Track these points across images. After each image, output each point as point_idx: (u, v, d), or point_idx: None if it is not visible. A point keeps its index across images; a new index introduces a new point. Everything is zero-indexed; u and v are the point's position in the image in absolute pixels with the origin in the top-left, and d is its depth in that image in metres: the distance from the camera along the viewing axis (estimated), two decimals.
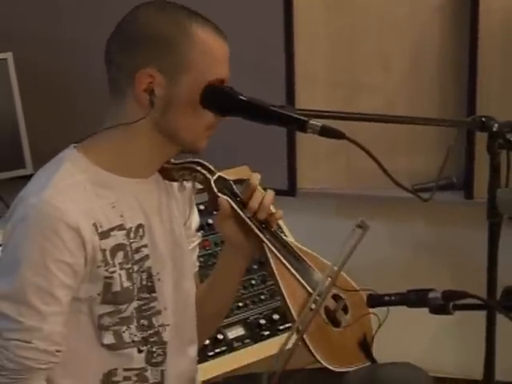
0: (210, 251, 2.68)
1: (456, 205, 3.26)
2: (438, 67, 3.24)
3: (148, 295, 1.86)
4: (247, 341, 2.59)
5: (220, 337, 2.54)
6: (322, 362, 1.96)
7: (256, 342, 2.60)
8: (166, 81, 1.78)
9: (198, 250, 2.15)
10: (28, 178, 1.79)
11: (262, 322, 2.65)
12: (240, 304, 2.65)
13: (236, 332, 2.60)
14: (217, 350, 2.52)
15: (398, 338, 2.82)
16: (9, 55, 3.18)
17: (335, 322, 2.03)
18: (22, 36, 3.37)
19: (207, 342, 2.46)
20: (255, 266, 2.69)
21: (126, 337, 1.81)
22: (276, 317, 2.66)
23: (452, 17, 3.18)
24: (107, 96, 1.86)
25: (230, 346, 2.56)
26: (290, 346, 1.87)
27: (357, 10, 3.24)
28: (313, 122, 1.69)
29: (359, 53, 3.26)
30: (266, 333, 2.63)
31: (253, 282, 2.72)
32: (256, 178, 1.95)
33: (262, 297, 2.71)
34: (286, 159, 3.32)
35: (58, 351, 1.69)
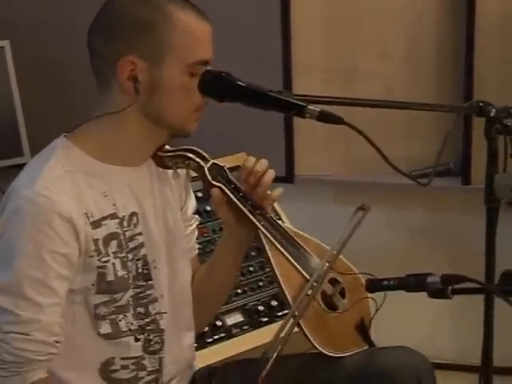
0: (208, 238, 2.68)
1: (453, 191, 3.27)
2: (435, 53, 3.25)
3: (144, 283, 1.86)
4: (246, 327, 2.61)
5: (219, 323, 2.55)
6: (319, 347, 1.98)
7: (255, 328, 2.61)
8: (149, 66, 1.77)
9: (196, 232, 2.16)
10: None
11: (261, 308, 2.66)
12: (238, 291, 2.66)
13: (235, 318, 2.61)
14: (215, 337, 2.54)
15: (396, 323, 2.82)
16: (6, 43, 3.17)
17: (332, 307, 2.04)
18: (19, 24, 3.37)
19: (206, 328, 2.47)
20: (253, 253, 2.70)
21: (123, 325, 1.81)
22: (274, 303, 2.67)
23: (449, 3, 3.18)
24: None
25: (229, 333, 2.57)
26: (285, 331, 1.87)
27: None
28: (311, 107, 1.69)
29: (357, 39, 3.26)
30: (265, 319, 2.64)
31: (251, 268, 2.73)
32: (251, 160, 1.96)
33: (261, 283, 2.72)
34: (283, 146, 3.33)
35: (57, 342, 1.69)
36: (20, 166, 1.82)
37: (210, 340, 2.51)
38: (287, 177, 3.33)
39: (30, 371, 1.66)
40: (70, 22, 3.24)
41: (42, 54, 3.40)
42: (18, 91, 3.16)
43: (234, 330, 2.58)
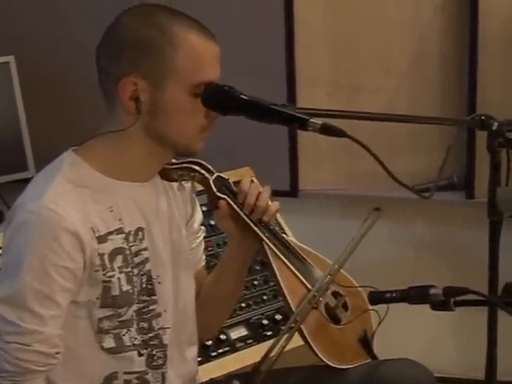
0: (212, 252, 2.66)
1: (457, 204, 3.26)
2: (438, 68, 3.24)
3: (148, 298, 1.87)
4: (250, 341, 2.59)
5: (223, 337, 2.54)
6: (323, 358, 1.99)
7: (259, 342, 2.60)
8: (151, 86, 1.76)
9: (203, 244, 2.17)
10: (30, 180, 1.80)
11: (265, 322, 2.65)
12: (243, 304, 2.65)
13: (239, 332, 2.60)
14: (220, 351, 2.52)
15: (399, 336, 2.81)
16: (11, 58, 3.18)
17: (335, 319, 2.06)
18: (23, 39, 3.41)
19: (210, 342, 2.47)
20: (257, 267, 2.69)
21: (127, 340, 1.82)
22: (279, 317, 2.66)
23: (452, 18, 3.18)
24: None
25: (233, 347, 2.56)
26: (284, 339, 1.90)
27: (358, 12, 3.24)
28: (313, 120, 1.70)
29: (360, 54, 3.26)
30: (269, 333, 2.63)
31: (255, 282, 2.72)
32: (246, 182, 1.98)
33: (265, 297, 2.71)
34: (287, 160, 3.31)
35: (57, 353, 1.70)
36: (25, 181, 1.84)
37: (215, 354, 2.50)
38: (291, 191, 3.32)
39: (28, 380, 1.68)
40: (74, 37, 3.28)
41: (47, 69, 3.43)
42: (23, 106, 3.17)
43: (238, 344, 2.57)
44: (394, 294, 1.77)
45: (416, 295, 1.74)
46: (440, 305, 1.72)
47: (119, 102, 1.78)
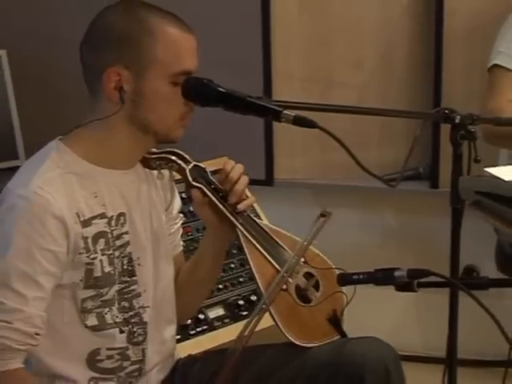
0: (191, 237, 2.67)
1: (422, 194, 3.28)
2: (406, 64, 3.27)
3: (129, 279, 1.88)
4: (227, 320, 2.61)
5: (201, 316, 2.55)
6: (290, 338, 2.01)
7: (235, 321, 2.61)
8: (134, 76, 1.78)
9: (181, 230, 2.17)
10: None
11: (241, 302, 2.66)
12: (220, 286, 2.66)
13: (216, 312, 2.61)
14: (198, 329, 2.54)
15: (366, 316, 2.82)
16: (3, 52, 3.18)
17: (306, 299, 2.06)
18: (16, 35, 3.39)
19: (189, 321, 2.47)
20: (234, 251, 2.71)
21: (109, 318, 1.83)
22: (254, 298, 2.68)
23: (419, 18, 3.20)
24: None
25: (211, 326, 2.57)
26: (254, 319, 1.87)
27: (331, 12, 3.25)
28: (286, 112, 1.71)
29: (333, 51, 3.27)
30: (245, 313, 2.64)
31: (232, 265, 2.73)
32: (230, 164, 1.98)
33: (241, 279, 2.73)
34: (263, 151, 3.33)
35: (37, 334, 1.69)
36: (15, 169, 1.83)
37: (193, 332, 2.51)
38: (267, 180, 3.33)
39: (7, 359, 1.67)
40: (63, 34, 3.25)
41: (37, 63, 3.41)
42: (14, 97, 3.16)
43: (216, 323, 2.58)
44: (361, 276, 1.76)
45: (382, 277, 1.74)
46: (404, 286, 1.72)
47: (103, 92, 1.80)
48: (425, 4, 3.17)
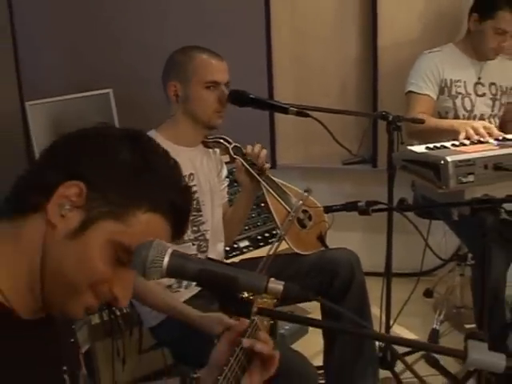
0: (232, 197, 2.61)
1: (367, 171, 3.18)
2: (356, 90, 3.18)
3: (197, 213, 1.94)
4: (251, 248, 2.66)
5: (235, 246, 2.62)
6: (295, 249, 2.05)
7: (256, 248, 2.68)
8: (183, 86, 1.85)
9: (227, 189, 2.19)
10: None
11: (259, 237, 2.73)
12: (246, 227, 2.71)
13: (244, 243, 2.67)
14: (233, 253, 2.59)
15: (340, 238, 2.54)
16: (110, 91, 2.72)
17: (303, 226, 2.10)
18: (120, 74, 2.93)
19: (228, 248, 2.45)
20: (255, 206, 2.69)
21: (185, 237, 1.88)
22: (267, 235, 2.74)
23: (363, 61, 3.12)
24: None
25: (241, 251, 2.63)
26: (277, 242, 1.94)
27: (310, 57, 3.16)
28: (292, 108, 1.80)
29: (310, 86, 3.19)
30: (261, 243, 2.70)
31: (253, 215, 2.77)
32: (256, 146, 1.99)
33: (259, 223, 2.78)
34: (269, 144, 3.17)
35: None
36: None
37: (230, 255, 2.54)
38: (272, 164, 3.12)
39: None
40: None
41: (139, 99, 2.85)
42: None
43: (244, 250, 2.64)
44: (338, 207, 1.82)
45: (350, 206, 1.78)
46: (363, 211, 1.75)
47: (169, 98, 1.87)
48: (367, 51, 3.09)
